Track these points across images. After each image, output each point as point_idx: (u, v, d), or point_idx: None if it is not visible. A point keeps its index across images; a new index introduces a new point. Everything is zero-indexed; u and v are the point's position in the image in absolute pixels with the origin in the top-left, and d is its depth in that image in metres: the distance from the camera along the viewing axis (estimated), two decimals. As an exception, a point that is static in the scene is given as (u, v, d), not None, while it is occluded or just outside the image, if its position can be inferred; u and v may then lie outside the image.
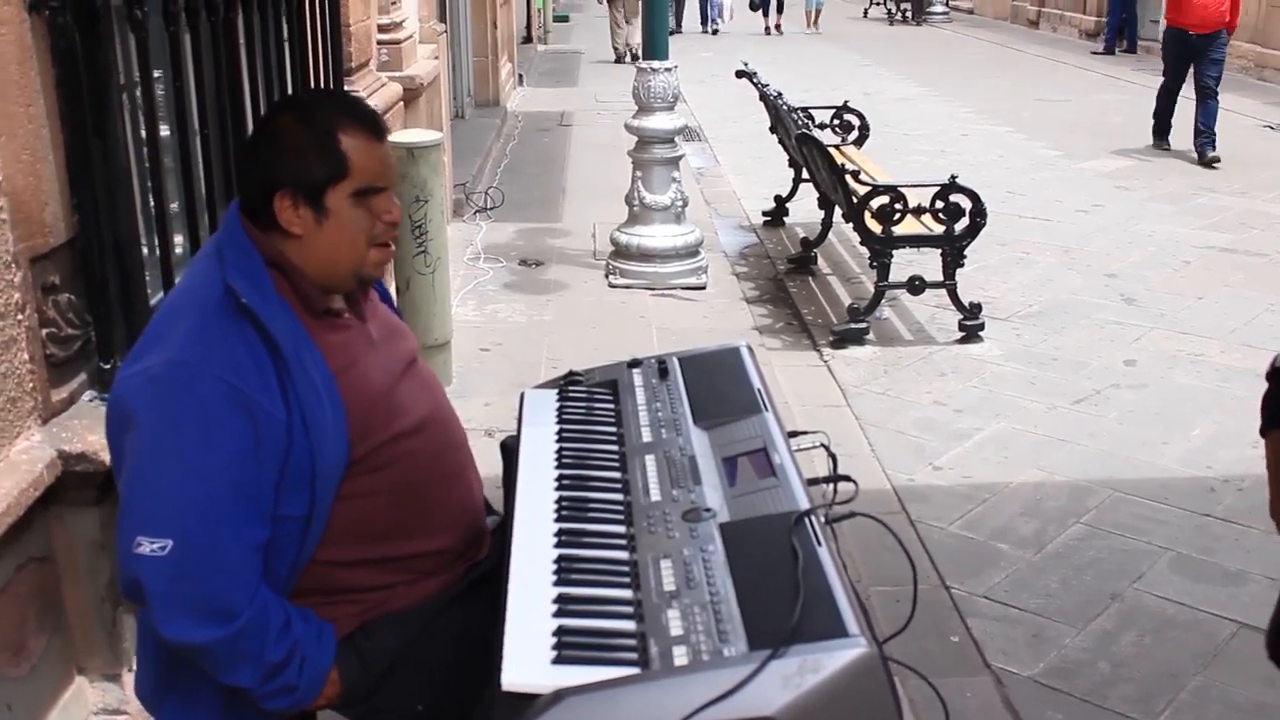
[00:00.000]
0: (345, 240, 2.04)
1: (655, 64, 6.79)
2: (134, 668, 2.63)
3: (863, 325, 6.14)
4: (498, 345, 6.00)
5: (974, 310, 6.18)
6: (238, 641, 1.93)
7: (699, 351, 2.69)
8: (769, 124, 8.64)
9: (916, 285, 6.18)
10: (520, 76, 15.49)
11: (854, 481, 2.21)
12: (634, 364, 2.65)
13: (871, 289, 6.38)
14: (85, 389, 2.67)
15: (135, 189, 2.79)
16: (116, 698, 2.65)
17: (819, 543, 1.90)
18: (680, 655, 1.68)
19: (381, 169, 2.07)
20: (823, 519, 2.02)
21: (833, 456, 2.36)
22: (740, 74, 8.61)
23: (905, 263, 6.47)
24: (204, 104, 3.17)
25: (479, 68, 12.47)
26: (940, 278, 6.20)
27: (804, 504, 2.02)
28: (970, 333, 6.18)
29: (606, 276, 7.02)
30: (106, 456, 2.45)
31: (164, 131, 3.00)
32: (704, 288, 6.90)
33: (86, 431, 2.52)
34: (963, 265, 6.19)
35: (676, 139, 6.96)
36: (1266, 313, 6.63)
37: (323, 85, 4.36)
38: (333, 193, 2.01)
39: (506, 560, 1.96)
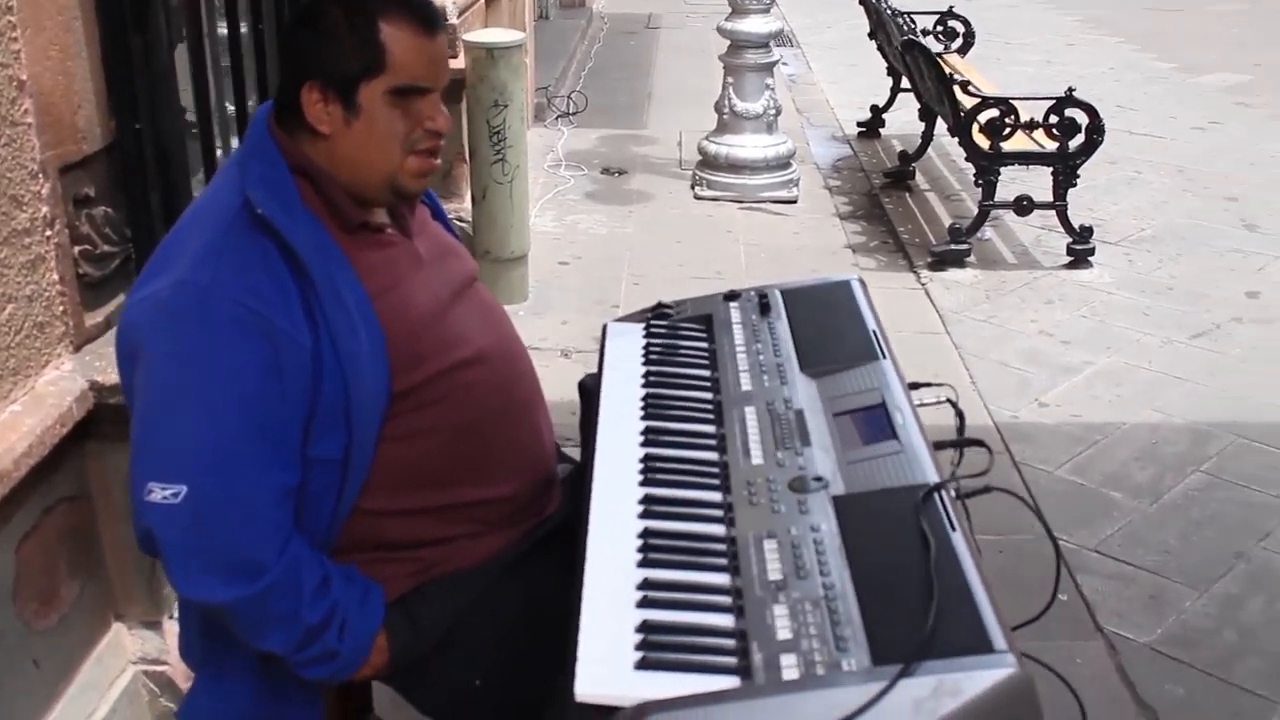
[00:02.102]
0: (376, 144, 1.77)
1: (751, -38, 6.39)
2: (175, 615, 2.43)
3: (964, 246, 5.77)
4: (577, 259, 5.73)
5: (1085, 234, 5.78)
6: (266, 600, 1.71)
7: (805, 284, 2.39)
8: (867, 29, 8.21)
9: (1024, 205, 5.78)
10: (606, -25, 15.01)
11: (988, 447, 1.92)
12: (731, 296, 2.35)
13: (973, 207, 6.00)
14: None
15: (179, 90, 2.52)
16: (156, 647, 2.45)
17: (952, 526, 1.61)
18: (789, 666, 1.41)
19: (428, 68, 1.78)
20: (953, 494, 1.74)
21: (960, 415, 2.06)
22: (838, -25, 8.15)
23: (1009, 179, 6.07)
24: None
25: (564, -34, 12.04)
26: (1049, 198, 5.80)
27: (932, 475, 1.73)
28: (1079, 257, 5.78)
29: (693, 188, 6.71)
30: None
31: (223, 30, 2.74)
32: (795, 201, 6.57)
33: (123, 360, 2.28)
34: (1075, 185, 5.79)
35: (771, 43, 6.58)
36: (1403, 244, 6.15)
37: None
38: (366, 88, 1.74)
39: (584, 534, 1.70)
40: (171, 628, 2.44)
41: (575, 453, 2.33)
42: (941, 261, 5.77)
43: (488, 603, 1.94)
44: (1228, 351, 4.95)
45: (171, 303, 1.68)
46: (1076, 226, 5.80)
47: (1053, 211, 5.83)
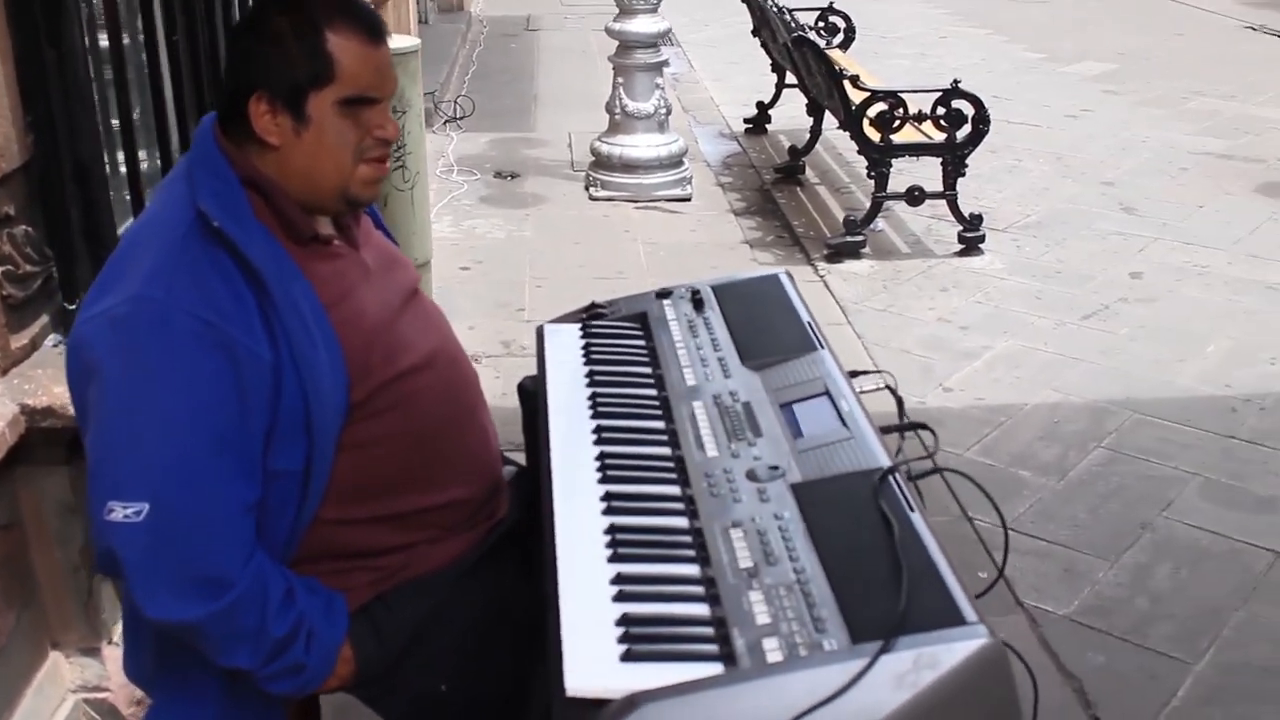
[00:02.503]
0: (326, 154, 1.76)
1: (637, -37, 6.42)
2: (114, 640, 2.38)
3: (859, 238, 5.88)
4: (478, 263, 5.72)
5: (974, 222, 5.93)
6: (233, 616, 1.68)
7: (734, 279, 2.44)
8: (746, 27, 8.30)
9: (916, 196, 5.91)
10: (482, -21, 14.92)
11: (932, 430, 1.97)
12: (663, 294, 2.38)
13: (863, 199, 6.11)
14: (48, 333, 2.37)
15: (97, 104, 2.46)
16: (96, 674, 2.39)
17: (911, 507, 1.66)
18: (773, 650, 1.44)
19: (376, 78, 1.78)
20: (907, 476, 1.79)
21: (899, 400, 2.12)
22: (719, -26, 8.23)
23: (898, 171, 6.20)
24: (171, 7, 2.82)
25: (441, -30, 11.96)
26: (939, 188, 5.93)
27: (883, 459, 1.78)
28: (970, 245, 5.93)
29: (587, 189, 6.73)
30: (76, 409, 2.17)
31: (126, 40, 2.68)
32: (689, 199, 6.63)
33: (52, 382, 2.23)
34: (963, 174, 5.94)
35: (658, 43, 6.63)
36: (1271, 222, 6.40)
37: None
38: (315, 98, 1.73)
39: (550, 533, 1.71)
40: (111, 653, 2.38)
41: (515, 455, 2.33)
42: (838, 253, 5.87)
43: (448, 607, 1.94)
44: (1117, 331, 5.13)
45: (128, 318, 1.65)
46: (966, 215, 5.94)
47: (943, 201, 5.96)
